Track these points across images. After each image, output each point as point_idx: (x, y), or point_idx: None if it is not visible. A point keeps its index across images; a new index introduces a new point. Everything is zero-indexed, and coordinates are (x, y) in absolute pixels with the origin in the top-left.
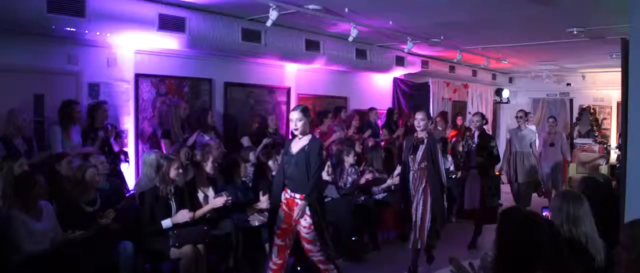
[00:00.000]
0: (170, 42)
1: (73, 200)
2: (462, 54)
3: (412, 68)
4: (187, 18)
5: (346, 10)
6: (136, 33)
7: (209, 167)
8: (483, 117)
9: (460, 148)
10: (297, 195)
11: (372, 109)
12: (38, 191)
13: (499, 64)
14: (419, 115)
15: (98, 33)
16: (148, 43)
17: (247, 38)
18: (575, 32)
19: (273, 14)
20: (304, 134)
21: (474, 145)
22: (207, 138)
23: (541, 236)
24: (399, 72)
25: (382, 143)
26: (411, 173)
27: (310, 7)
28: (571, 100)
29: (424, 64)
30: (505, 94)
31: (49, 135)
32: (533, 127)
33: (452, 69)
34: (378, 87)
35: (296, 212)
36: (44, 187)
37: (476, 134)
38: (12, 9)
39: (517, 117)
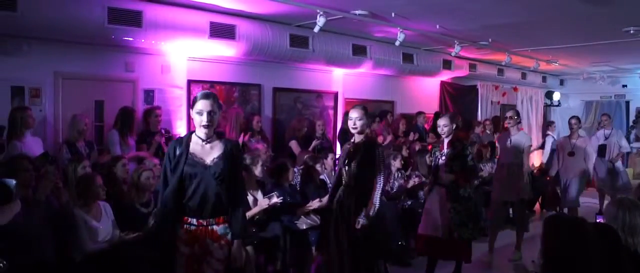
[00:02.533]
0: (221, 49)
1: (129, 202)
2: (511, 57)
3: (460, 71)
4: (237, 25)
5: (393, 14)
6: (188, 41)
7: (258, 170)
8: (454, 118)
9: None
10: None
11: (420, 112)
12: (98, 192)
13: (549, 65)
14: (354, 114)
15: (153, 42)
16: (200, 50)
17: (295, 44)
18: (632, 32)
19: (320, 20)
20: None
21: (441, 158)
22: (253, 141)
23: (588, 243)
24: (446, 76)
25: (429, 147)
26: (342, 188)
27: (357, 12)
28: (627, 103)
29: (472, 67)
30: (556, 96)
31: (108, 139)
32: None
33: (500, 71)
34: (425, 90)
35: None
36: (103, 188)
37: (446, 142)
38: (75, 21)
39: (507, 117)
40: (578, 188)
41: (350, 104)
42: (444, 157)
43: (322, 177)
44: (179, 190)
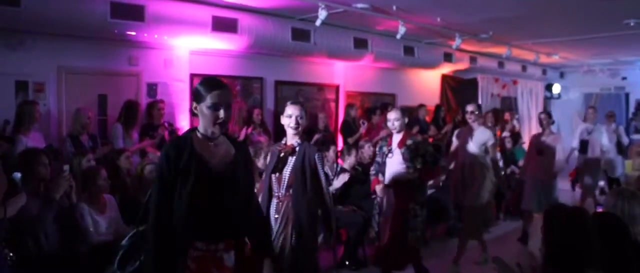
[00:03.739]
0: (223, 42)
1: (133, 194)
2: (511, 49)
3: (460, 64)
4: (239, 19)
5: (394, 7)
6: (191, 35)
7: (260, 162)
8: (405, 112)
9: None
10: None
11: (421, 105)
12: (102, 185)
13: (549, 58)
14: (293, 110)
15: (156, 36)
16: (202, 44)
17: (297, 37)
18: (632, 24)
19: (322, 14)
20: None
21: (389, 154)
22: (255, 134)
23: (590, 232)
24: (447, 69)
25: (430, 139)
26: (274, 202)
27: (359, 5)
28: (627, 95)
29: (472, 60)
30: (556, 89)
31: (112, 132)
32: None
33: (500, 64)
34: (426, 83)
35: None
36: (107, 181)
37: (396, 137)
38: (79, 15)
39: (468, 111)
40: (545, 192)
41: (352, 96)
42: (391, 154)
43: (325, 169)
44: (190, 206)
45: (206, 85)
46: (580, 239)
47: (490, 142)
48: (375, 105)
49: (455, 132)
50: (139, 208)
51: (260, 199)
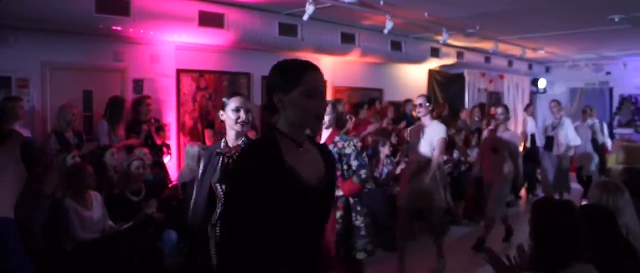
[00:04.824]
0: (210, 38)
1: (120, 191)
2: (498, 44)
3: (448, 59)
4: (226, 14)
5: (382, 2)
6: (177, 30)
7: None
8: (336, 106)
9: None
10: None
11: (408, 100)
12: (88, 182)
13: (535, 53)
14: (239, 103)
15: (142, 31)
16: (189, 39)
17: (284, 32)
18: (616, 20)
19: (309, 9)
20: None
21: None
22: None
23: (579, 224)
24: (434, 64)
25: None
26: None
27: (346, 0)
28: (611, 90)
29: (459, 55)
30: (542, 84)
31: (98, 128)
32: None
33: (487, 59)
34: (413, 78)
35: None
36: (93, 177)
37: (326, 135)
38: (63, 10)
39: (417, 105)
40: (499, 194)
41: (339, 92)
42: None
43: None
44: (275, 232)
45: (297, 69)
46: (569, 232)
47: (439, 137)
48: (362, 100)
49: (408, 129)
50: (125, 205)
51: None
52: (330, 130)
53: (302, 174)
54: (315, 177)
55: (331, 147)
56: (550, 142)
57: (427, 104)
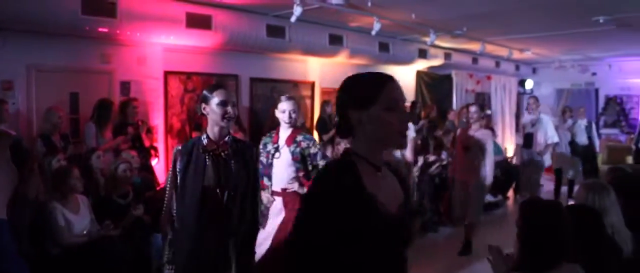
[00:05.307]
0: (197, 39)
1: (107, 194)
2: (485, 45)
3: (435, 60)
4: (213, 16)
5: (369, 4)
6: (164, 31)
7: None
8: (297, 103)
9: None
10: None
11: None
12: (74, 184)
13: (522, 54)
14: (221, 96)
15: (129, 32)
16: (176, 41)
17: (272, 34)
18: (601, 21)
19: (297, 10)
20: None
21: (276, 154)
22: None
23: (566, 224)
24: (421, 65)
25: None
26: None
27: (334, 2)
28: (596, 90)
29: (447, 56)
30: (529, 84)
31: (85, 131)
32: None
33: (475, 60)
34: (401, 79)
35: None
36: (80, 180)
37: (284, 134)
38: (49, 11)
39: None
40: (477, 197)
41: (328, 93)
42: (279, 154)
43: None
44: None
45: (375, 82)
46: (556, 232)
47: (408, 137)
48: None
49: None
50: (112, 208)
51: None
52: (290, 129)
53: (383, 202)
54: (395, 204)
55: (293, 147)
56: (529, 139)
57: None
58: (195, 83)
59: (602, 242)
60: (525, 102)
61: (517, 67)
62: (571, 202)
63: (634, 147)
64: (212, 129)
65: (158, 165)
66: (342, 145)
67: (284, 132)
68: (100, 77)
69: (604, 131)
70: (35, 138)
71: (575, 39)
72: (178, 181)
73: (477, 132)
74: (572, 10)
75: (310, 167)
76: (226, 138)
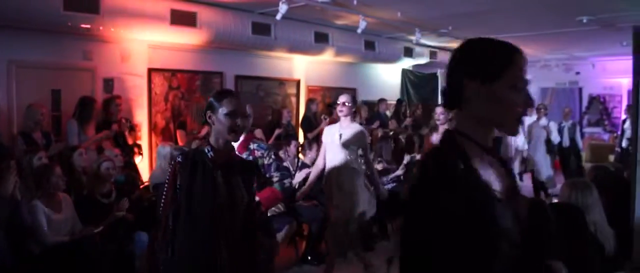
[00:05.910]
0: (182, 36)
1: (89, 192)
2: None
3: (421, 59)
4: (198, 13)
5: (355, 2)
6: (149, 28)
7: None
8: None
9: None
10: None
11: (382, 100)
12: (57, 182)
13: None
14: (230, 106)
15: (112, 29)
16: (160, 38)
17: (257, 31)
18: (585, 21)
19: (283, 8)
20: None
21: None
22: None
23: (550, 223)
24: (407, 63)
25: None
26: None
27: None
28: (580, 89)
29: (433, 54)
30: None
31: (67, 128)
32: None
33: None
34: (387, 78)
35: None
36: (62, 179)
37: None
38: (29, 7)
39: (339, 104)
40: None
41: (313, 91)
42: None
43: (285, 164)
44: None
45: (505, 53)
46: (540, 229)
47: (365, 143)
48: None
49: (325, 129)
50: (95, 206)
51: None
52: (242, 135)
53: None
54: (506, 194)
55: (245, 154)
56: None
57: (349, 104)
58: (180, 80)
59: (584, 239)
60: None
61: None
62: (555, 200)
63: (618, 149)
64: (216, 141)
65: (142, 163)
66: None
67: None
68: (82, 74)
69: (587, 130)
70: (16, 136)
71: (559, 38)
72: (180, 200)
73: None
74: (556, 10)
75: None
76: (232, 152)
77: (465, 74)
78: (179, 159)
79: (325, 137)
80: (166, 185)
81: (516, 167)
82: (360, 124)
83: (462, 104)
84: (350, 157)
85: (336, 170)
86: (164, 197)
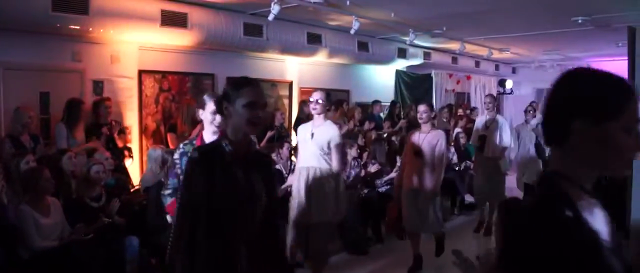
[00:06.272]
0: (173, 38)
1: (79, 196)
2: (465, 45)
3: (415, 60)
4: (189, 13)
5: (348, 2)
6: (139, 29)
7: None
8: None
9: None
10: None
11: (376, 101)
12: (45, 186)
13: (502, 54)
14: (251, 96)
15: (101, 30)
16: (151, 39)
17: (249, 32)
18: (580, 21)
19: (275, 8)
20: None
21: None
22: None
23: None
24: (401, 64)
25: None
26: None
27: (312, 0)
28: None
29: (426, 55)
30: (509, 84)
31: (55, 132)
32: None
33: (454, 60)
34: (380, 79)
35: None
36: (51, 182)
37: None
38: (18, 8)
39: (312, 101)
40: (431, 208)
41: (306, 93)
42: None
43: (277, 166)
44: None
45: (625, 87)
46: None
47: (334, 142)
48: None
49: (299, 128)
50: (84, 210)
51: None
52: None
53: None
54: (612, 240)
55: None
56: (482, 141)
57: (320, 101)
58: (171, 82)
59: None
60: (504, 102)
61: (497, 67)
62: None
63: None
64: (234, 134)
65: (132, 166)
66: None
67: (211, 137)
68: (71, 76)
69: None
70: (3, 139)
71: (554, 39)
72: (197, 201)
73: (428, 134)
74: (551, 11)
75: None
76: (251, 146)
77: (573, 110)
78: (196, 156)
79: (298, 135)
80: (181, 186)
81: (506, 164)
82: (355, 126)
83: (565, 142)
84: (324, 157)
85: (309, 170)
86: (179, 199)
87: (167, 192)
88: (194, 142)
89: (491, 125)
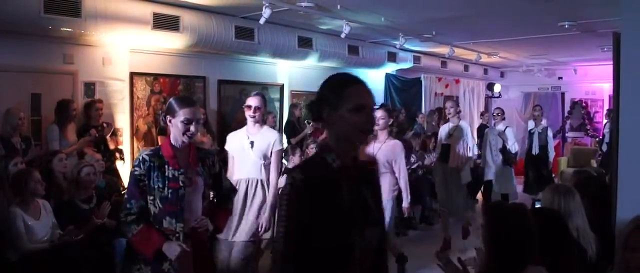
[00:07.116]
0: (164, 40)
1: (69, 198)
2: (454, 49)
3: (404, 63)
4: (180, 17)
5: (338, 7)
6: (131, 32)
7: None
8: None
9: None
10: None
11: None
12: (35, 188)
13: (490, 58)
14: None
15: (93, 33)
16: (142, 42)
17: (241, 36)
18: (566, 26)
19: (266, 12)
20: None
21: None
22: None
23: (532, 227)
24: (391, 68)
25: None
26: None
27: (303, 4)
28: (563, 94)
29: (416, 59)
30: (497, 88)
31: (47, 133)
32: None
33: (443, 64)
34: (371, 82)
35: None
36: (41, 184)
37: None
38: (9, 10)
39: (245, 107)
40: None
41: (296, 96)
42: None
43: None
44: None
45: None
46: (522, 235)
47: (276, 148)
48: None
49: (229, 136)
50: (75, 212)
51: None
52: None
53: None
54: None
55: (199, 168)
56: (445, 151)
57: (262, 108)
58: (162, 85)
59: (567, 244)
60: (493, 106)
61: (485, 71)
62: (538, 205)
63: (599, 151)
64: (338, 144)
65: (124, 168)
66: (311, 147)
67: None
68: (63, 77)
69: (570, 134)
70: None
71: (541, 43)
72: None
73: (384, 144)
74: (538, 16)
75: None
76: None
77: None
78: (300, 178)
79: (229, 144)
80: (285, 218)
81: (466, 175)
82: None
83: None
84: (264, 168)
85: (247, 183)
86: (283, 233)
87: (131, 218)
88: (161, 152)
89: (454, 133)
